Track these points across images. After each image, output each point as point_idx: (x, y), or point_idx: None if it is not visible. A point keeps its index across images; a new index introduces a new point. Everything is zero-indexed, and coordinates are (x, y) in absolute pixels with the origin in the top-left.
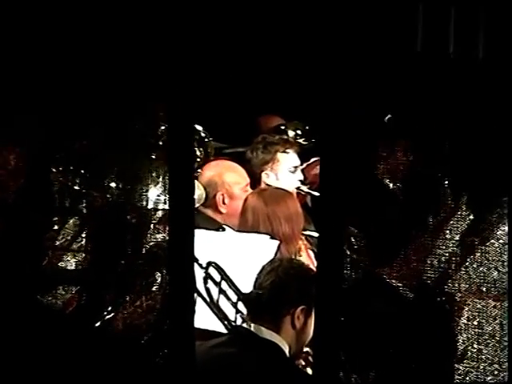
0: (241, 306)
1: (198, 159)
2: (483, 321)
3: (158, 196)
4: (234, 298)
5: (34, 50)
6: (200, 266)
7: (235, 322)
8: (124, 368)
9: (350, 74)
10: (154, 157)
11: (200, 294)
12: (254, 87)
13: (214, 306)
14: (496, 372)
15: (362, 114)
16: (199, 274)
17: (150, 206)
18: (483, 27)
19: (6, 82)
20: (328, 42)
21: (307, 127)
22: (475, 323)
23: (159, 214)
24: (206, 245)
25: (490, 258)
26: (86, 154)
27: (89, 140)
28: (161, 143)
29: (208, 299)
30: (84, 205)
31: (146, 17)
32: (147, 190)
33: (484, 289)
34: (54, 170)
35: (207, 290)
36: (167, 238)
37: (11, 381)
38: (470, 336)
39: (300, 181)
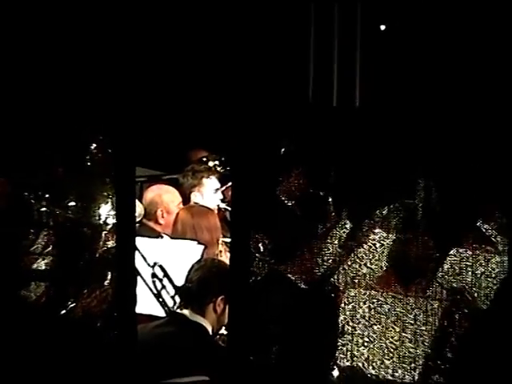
0: (177, 296)
1: None
2: (356, 305)
3: (108, 212)
4: (171, 291)
5: None
6: (148, 265)
7: (173, 308)
8: (84, 346)
9: (257, 118)
10: (104, 181)
11: (149, 287)
12: (185, 127)
13: (159, 296)
14: (366, 344)
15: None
16: (148, 271)
17: (102, 220)
18: (359, 81)
19: None
20: (243, 92)
21: (223, 158)
22: (350, 307)
23: (109, 226)
24: (149, 249)
25: (362, 257)
26: (51, 180)
27: (53, 169)
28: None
29: (155, 291)
30: (51, 220)
31: (82, 53)
32: (99, 208)
33: (356, 281)
34: (26, 194)
35: (154, 283)
36: (115, 244)
37: None
38: (345, 317)
39: (220, 200)
